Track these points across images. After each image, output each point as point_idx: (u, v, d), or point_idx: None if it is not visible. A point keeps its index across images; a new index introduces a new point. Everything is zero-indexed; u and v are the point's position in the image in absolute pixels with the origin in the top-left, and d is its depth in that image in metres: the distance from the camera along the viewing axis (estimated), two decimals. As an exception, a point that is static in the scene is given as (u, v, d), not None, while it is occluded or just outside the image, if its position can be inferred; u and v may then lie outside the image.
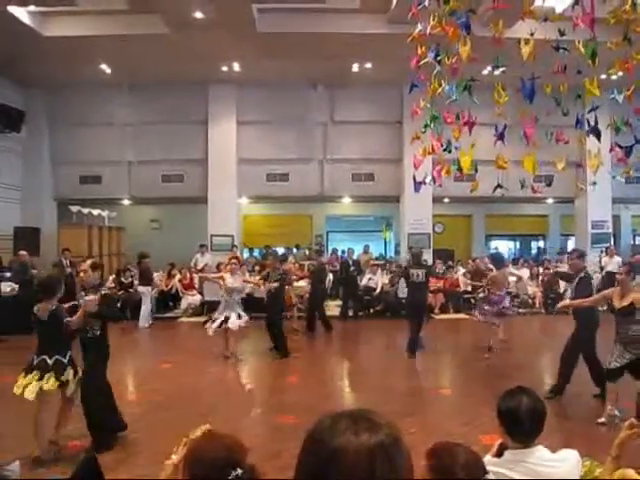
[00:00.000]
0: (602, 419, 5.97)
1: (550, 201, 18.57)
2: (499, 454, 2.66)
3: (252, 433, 5.82)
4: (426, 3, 6.82)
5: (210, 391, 7.62)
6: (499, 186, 7.77)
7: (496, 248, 21.38)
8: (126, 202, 17.70)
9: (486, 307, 10.05)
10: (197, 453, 1.53)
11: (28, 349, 10.09)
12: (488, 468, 2.53)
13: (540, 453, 2.54)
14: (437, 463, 1.99)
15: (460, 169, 7.68)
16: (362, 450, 1.06)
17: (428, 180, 8.69)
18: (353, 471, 1.04)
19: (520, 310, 14.60)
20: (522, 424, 2.54)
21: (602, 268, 14.91)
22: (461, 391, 7.60)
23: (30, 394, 5.04)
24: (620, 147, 6.99)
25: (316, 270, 12.71)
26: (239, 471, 1.46)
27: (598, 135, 6.83)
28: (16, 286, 12.21)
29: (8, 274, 12.50)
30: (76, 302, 6.17)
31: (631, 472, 2.34)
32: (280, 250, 16.02)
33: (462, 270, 15.49)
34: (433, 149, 8.10)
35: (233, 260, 9.97)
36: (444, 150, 7.86)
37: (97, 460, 2.67)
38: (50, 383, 5.13)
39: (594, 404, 6.63)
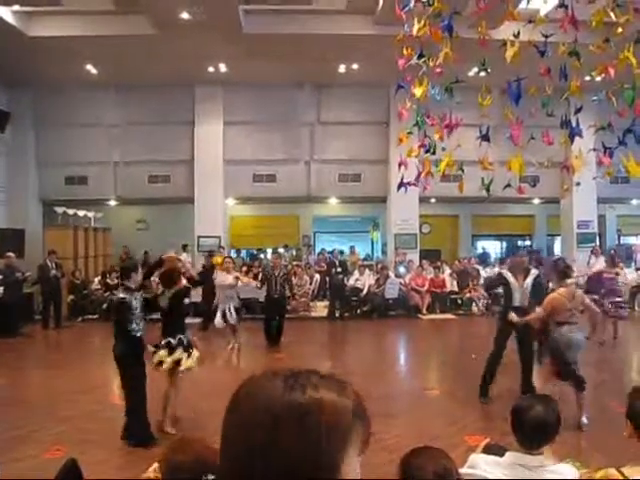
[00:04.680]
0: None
1: (536, 201, 18.69)
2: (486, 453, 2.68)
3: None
4: (411, 5, 6.85)
5: (196, 390, 7.57)
6: (487, 189, 7.77)
7: (483, 248, 21.53)
8: (112, 203, 17.59)
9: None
10: (169, 461, 1.53)
11: (13, 351, 9.97)
12: (484, 466, 2.55)
13: (540, 461, 2.51)
14: (405, 474, 2.01)
15: (439, 169, 7.69)
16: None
17: (419, 184, 8.66)
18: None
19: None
20: (524, 430, 2.54)
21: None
22: (447, 392, 7.61)
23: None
24: (606, 148, 7.04)
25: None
26: (210, 477, 1.45)
27: (572, 137, 6.88)
28: (1, 288, 12.10)
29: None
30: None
31: (612, 471, 2.36)
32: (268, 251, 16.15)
33: (448, 270, 15.56)
34: (411, 151, 8.09)
35: (227, 259, 10.73)
36: (427, 152, 7.87)
37: (78, 464, 2.68)
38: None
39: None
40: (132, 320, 5.64)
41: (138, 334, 5.69)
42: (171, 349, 5.97)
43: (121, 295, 5.72)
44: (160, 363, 5.93)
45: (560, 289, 6.16)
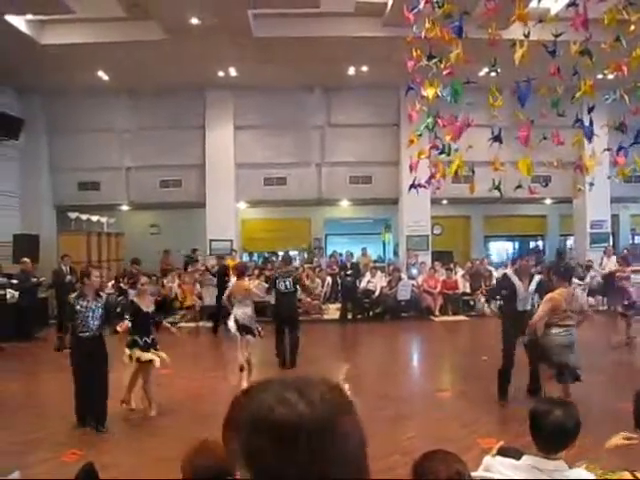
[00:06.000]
0: None
1: (548, 201, 18.57)
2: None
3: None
4: (420, 7, 6.84)
5: (210, 397, 7.60)
6: (498, 189, 7.74)
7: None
8: (125, 208, 17.70)
9: None
10: (190, 464, 1.54)
11: (29, 356, 10.07)
12: (500, 468, 2.54)
13: (557, 466, 2.49)
14: (418, 478, 2.01)
15: (450, 171, 7.67)
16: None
17: (431, 185, 8.61)
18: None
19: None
20: (543, 434, 2.52)
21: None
22: (459, 394, 7.58)
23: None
24: (620, 147, 7.00)
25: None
26: None
27: (589, 137, 6.85)
28: (16, 293, 12.22)
29: (13, 281, 12.51)
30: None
31: (626, 474, 2.35)
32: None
33: (461, 271, 15.50)
34: (421, 152, 8.08)
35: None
36: (441, 153, 7.85)
37: (95, 467, 2.71)
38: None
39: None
40: (79, 321, 6.08)
41: (80, 334, 6.10)
42: (144, 348, 6.62)
43: (70, 297, 6.32)
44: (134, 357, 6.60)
45: (559, 289, 6.20)
